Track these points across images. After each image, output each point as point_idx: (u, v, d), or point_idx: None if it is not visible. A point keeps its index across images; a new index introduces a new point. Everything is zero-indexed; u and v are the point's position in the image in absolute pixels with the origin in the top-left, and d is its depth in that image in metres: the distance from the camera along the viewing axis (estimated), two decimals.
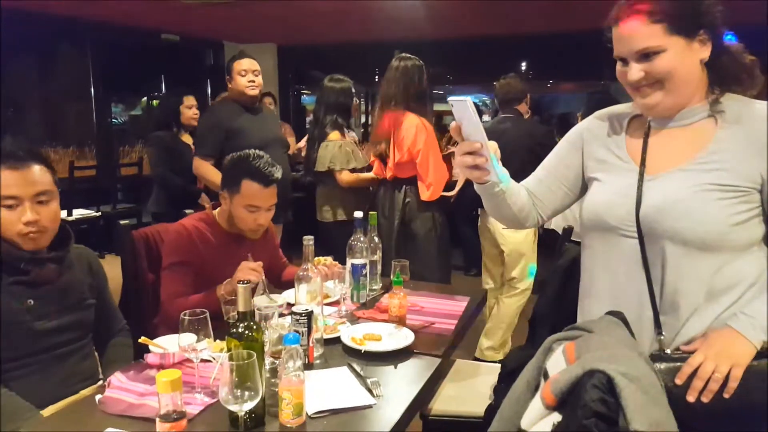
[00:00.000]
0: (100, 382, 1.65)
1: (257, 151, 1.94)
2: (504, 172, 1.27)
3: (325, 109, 3.21)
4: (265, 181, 1.86)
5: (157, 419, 1.14)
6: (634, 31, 1.13)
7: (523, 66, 9.21)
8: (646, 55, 1.13)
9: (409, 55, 2.95)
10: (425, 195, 2.84)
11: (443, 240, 2.95)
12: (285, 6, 5.19)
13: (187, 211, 2.30)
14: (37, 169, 1.55)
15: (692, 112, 1.18)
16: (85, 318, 1.69)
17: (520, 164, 3.07)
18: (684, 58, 1.12)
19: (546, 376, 1.09)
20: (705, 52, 1.14)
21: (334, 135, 3.16)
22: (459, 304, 1.99)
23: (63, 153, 6.11)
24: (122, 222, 2.18)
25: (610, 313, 1.12)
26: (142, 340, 1.51)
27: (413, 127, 2.79)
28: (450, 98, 1.15)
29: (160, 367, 1.49)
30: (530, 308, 2.26)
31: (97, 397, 1.36)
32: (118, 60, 6.52)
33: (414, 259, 2.78)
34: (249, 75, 3.08)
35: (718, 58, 1.17)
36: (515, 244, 3.31)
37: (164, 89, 7.30)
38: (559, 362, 0.99)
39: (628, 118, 1.31)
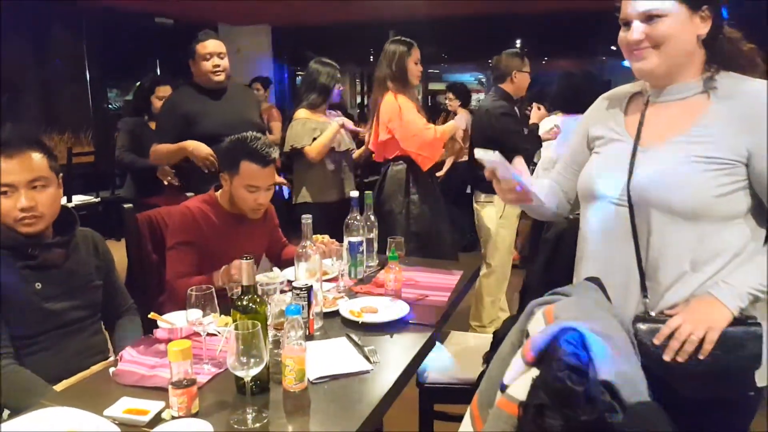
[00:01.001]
0: (112, 358, 1.74)
1: (254, 133, 2.00)
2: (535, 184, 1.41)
3: (304, 90, 3.16)
4: (263, 162, 1.92)
5: (170, 386, 1.23)
6: None
7: (518, 44, 9.21)
8: (649, 18, 1.19)
9: (398, 38, 3.00)
10: (424, 165, 2.94)
11: (421, 221, 2.99)
12: None
13: (126, 206, 2.26)
14: (33, 156, 1.59)
15: (687, 86, 1.24)
16: (93, 298, 1.76)
17: (482, 146, 3.19)
18: (684, 27, 1.19)
19: (528, 337, 1.18)
20: (704, 28, 1.20)
21: (299, 113, 3.08)
22: (452, 278, 2.08)
23: (59, 139, 6.14)
24: (126, 206, 2.25)
25: (588, 278, 1.21)
26: (152, 315, 1.59)
27: (388, 104, 2.94)
28: (478, 155, 1.30)
29: (169, 341, 1.57)
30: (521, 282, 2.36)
31: (111, 369, 1.45)
32: (113, 44, 6.52)
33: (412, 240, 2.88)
34: (214, 59, 2.82)
35: (718, 41, 1.23)
36: (484, 222, 3.43)
37: (159, 73, 7.31)
38: (539, 324, 1.07)
39: (629, 96, 1.38)
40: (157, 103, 3.73)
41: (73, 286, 1.68)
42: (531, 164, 3.62)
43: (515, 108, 3.43)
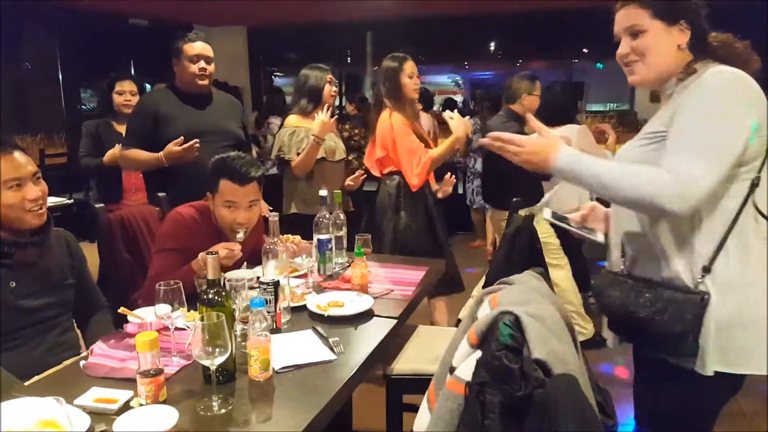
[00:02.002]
0: (83, 353, 1.77)
1: (239, 152, 2.03)
2: None
3: (294, 95, 3.06)
4: (241, 180, 1.92)
5: (138, 376, 1.28)
6: (626, 13, 1.38)
7: (492, 45, 9.35)
8: (633, 34, 1.36)
9: (392, 54, 2.95)
10: (413, 184, 2.86)
11: (407, 237, 2.90)
12: None
13: (98, 205, 2.26)
14: (20, 154, 1.67)
15: (669, 85, 1.39)
16: (66, 296, 1.80)
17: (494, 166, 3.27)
18: (662, 39, 1.34)
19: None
20: (683, 38, 1.35)
21: (288, 119, 2.98)
22: (417, 273, 2.16)
23: (31, 141, 6.08)
24: (98, 205, 2.28)
25: (533, 269, 1.30)
26: (122, 310, 1.64)
27: (382, 122, 2.90)
28: (546, 216, 1.58)
29: None
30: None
31: (81, 363, 1.49)
32: (87, 45, 6.48)
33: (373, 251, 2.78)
34: (201, 62, 2.67)
35: (708, 49, 1.35)
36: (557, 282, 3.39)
37: (133, 74, 7.28)
38: (485, 310, 1.15)
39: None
40: (118, 99, 3.51)
41: (47, 285, 1.72)
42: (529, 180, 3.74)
43: (524, 129, 3.37)
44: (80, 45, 6.45)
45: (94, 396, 1.30)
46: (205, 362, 1.27)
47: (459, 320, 3.60)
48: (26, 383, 1.55)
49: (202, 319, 1.27)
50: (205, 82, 2.72)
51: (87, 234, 4.41)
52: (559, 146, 1.35)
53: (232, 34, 7.85)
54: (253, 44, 8.16)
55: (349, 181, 3.07)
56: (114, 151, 3.26)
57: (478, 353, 1.04)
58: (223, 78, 7.74)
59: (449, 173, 3.13)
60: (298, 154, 2.87)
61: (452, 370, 1.10)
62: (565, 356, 0.98)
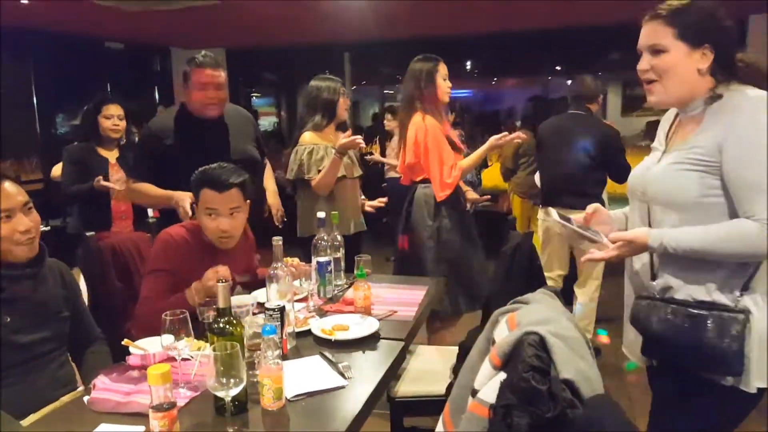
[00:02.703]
0: (80, 389, 1.72)
1: (221, 162, 2.00)
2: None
3: (306, 112, 2.90)
4: (220, 187, 1.91)
5: (150, 410, 1.24)
6: (652, 28, 1.37)
7: (468, 65, 9.50)
8: (655, 51, 1.36)
9: (423, 55, 2.82)
10: (439, 195, 2.72)
11: (450, 248, 2.75)
12: (232, 10, 5.21)
13: (88, 234, 2.22)
14: (11, 184, 1.62)
15: (694, 105, 1.40)
16: (61, 330, 1.75)
17: (587, 160, 3.26)
18: (683, 62, 1.35)
19: (494, 344, 1.27)
20: (704, 63, 1.35)
21: (304, 137, 2.83)
22: (418, 293, 2.16)
23: (4, 167, 5.94)
24: (88, 233, 2.24)
25: (545, 288, 1.31)
26: (125, 342, 1.60)
27: (415, 126, 2.76)
28: (554, 216, 1.62)
29: (142, 367, 1.59)
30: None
31: (85, 398, 1.45)
32: (62, 69, 6.40)
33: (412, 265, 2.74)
34: (209, 90, 2.47)
35: (732, 71, 1.36)
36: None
37: (110, 97, 7.21)
38: (503, 331, 1.16)
39: (675, 113, 1.54)
40: (106, 123, 3.40)
41: (42, 318, 1.67)
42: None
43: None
44: (55, 69, 6.36)
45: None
46: (220, 393, 1.25)
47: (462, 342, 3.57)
48: (24, 422, 1.50)
49: (214, 349, 1.25)
50: (215, 112, 2.53)
51: (66, 261, 4.30)
52: (646, 235, 1.38)
53: None
54: (231, 65, 8.15)
55: (368, 207, 3.02)
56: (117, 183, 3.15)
57: (502, 375, 1.04)
58: None
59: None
60: (319, 171, 2.76)
61: (474, 392, 1.10)
62: (590, 375, 0.99)
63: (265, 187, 3.05)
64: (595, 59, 7.56)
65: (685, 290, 1.37)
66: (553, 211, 1.68)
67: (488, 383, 1.06)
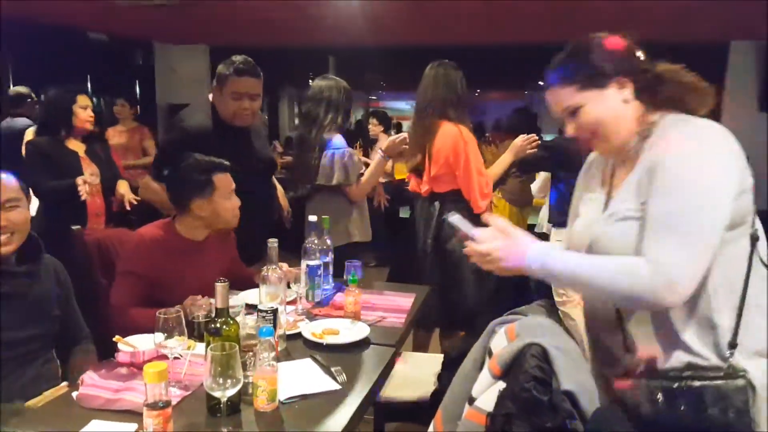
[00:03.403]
0: (64, 384, 1.70)
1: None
2: None
3: (326, 109, 2.70)
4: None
5: (145, 408, 1.23)
6: (554, 95, 1.28)
7: None
8: (572, 113, 1.26)
9: (446, 61, 2.78)
10: (480, 207, 2.64)
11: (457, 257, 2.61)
12: (218, 8, 5.18)
13: (74, 227, 2.12)
14: (3, 177, 1.59)
15: (626, 148, 1.26)
16: (51, 329, 1.72)
17: None
18: (604, 105, 1.23)
19: (490, 354, 1.29)
20: (625, 92, 1.23)
21: (337, 141, 2.68)
22: (407, 300, 2.18)
23: None
24: (74, 227, 2.20)
25: (539, 301, 1.35)
26: (117, 339, 1.59)
27: (450, 136, 2.65)
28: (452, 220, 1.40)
29: (131, 365, 1.57)
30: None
31: (74, 393, 1.43)
32: (42, 59, 6.26)
33: (448, 283, 2.60)
34: (244, 100, 2.36)
35: (652, 86, 1.23)
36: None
37: (91, 91, 7.08)
38: (501, 341, 1.18)
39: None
40: (81, 114, 3.16)
41: (33, 316, 1.64)
42: None
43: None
44: (35, 59, 6.22)
45: (95, 430, 1.25)
46: (217, 393, 1.25)
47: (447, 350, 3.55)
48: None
49: (212, 350, 1.25)
50: (247, 122, 2.43)
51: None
52: (530, 243, 1.25)
53: (194, 52, 7.76)
54: (215, 63, 8.08)
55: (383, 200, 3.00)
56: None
57: (501, 384, 1.07)
58: (184, 97, 7.64)
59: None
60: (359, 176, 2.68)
61: (472, 400, 1.13)
62: (589, 387, 1.03)
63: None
64: None
65: (662, 357, 1.17)
66: (453, 216, 1.44)
67: (486, 392, 1.09)
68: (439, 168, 2.69)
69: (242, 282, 2.20)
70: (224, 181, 1.98)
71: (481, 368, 1.32)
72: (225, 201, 1.98)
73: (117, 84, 7.05)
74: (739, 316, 1.14)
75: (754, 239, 1.17)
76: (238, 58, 2.40)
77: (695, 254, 1.09)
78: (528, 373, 1.00)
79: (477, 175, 2.65)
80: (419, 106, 2.78)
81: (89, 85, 7.02)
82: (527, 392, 0.98)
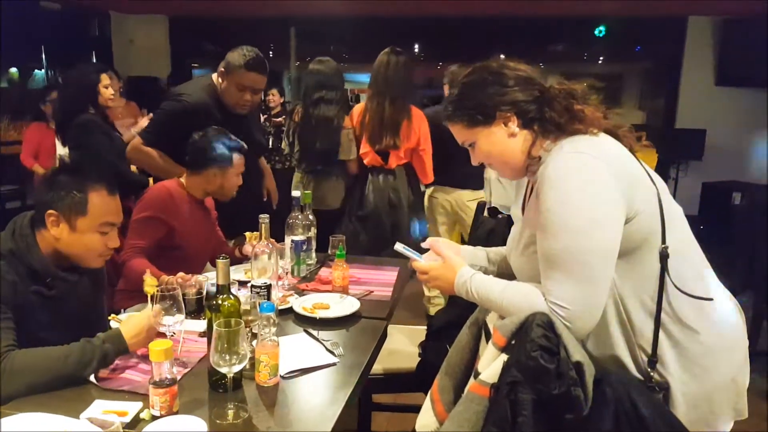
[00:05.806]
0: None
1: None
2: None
3: (324, 92, 3.11)
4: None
5: (151, 386, 1.24)
6: (452, 131, 1.36)
7: (416, 48, 9.56)
8: (470, 146, 1.35)
9: (399, 50, 3.14)
10: (430, 178, 3.26)
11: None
12: None
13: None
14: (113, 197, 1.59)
15: (533, 169, 1.29)
16: (80, 335, 1.66)
17: None
18: (492, 139, 1.29)
19: (485, 327, 1.35)
20: (512, 126, 1.27)
21: (347, 121, 3.15)
22: (391, 273, 2.22)
23: None
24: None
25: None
26: (112, 317, 1.57)
27: (421, 118, 3.13)
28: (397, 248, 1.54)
29: None
30: None
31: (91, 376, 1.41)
32: None
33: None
34: (248, 93, 2.48)
35: (538, 117, 1.26)
36: None
37: (44, 61, 6.74)
38: (496, 314, 1.24)
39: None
40: (106, 93, 3.16)
41: (71, 321, 1.57)
42: None
43: None
44: None
45: (100, 408, 1.25)
46: (223, 370, 1.26)
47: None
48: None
49: (217, 326, 1.26)
50: (245, 111, 2.56)
51: None
52: (458, 268, 1.35)
53: (152, 23, 7.48)
54: (174, 34, 7.80)
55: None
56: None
57: (505, 356, 1.12)
58: (143, 69, 7.37)
59: None
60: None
61: (477, 374, 1.17)
62: (589, 361, 1.08)
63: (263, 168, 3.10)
64: (537, 50, 7.79)
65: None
66: (398, 245, 1.55)
67: (492, 364, 1.13)
68: (411, 144, 3.13)
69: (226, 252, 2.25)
70: (239, 162, 2.23)
71: (477, 340, 1.38)
72: (234, 178, 2.23)
73: (72, 56, 6.73)
74: (656, 333, 1.17)
75: (663, 256, 1.17)
76: (250, 52, 2.45)
77: (587, 289, 1.13)
78: (534, 341, 1.04)
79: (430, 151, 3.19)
80: (384, 90, 3.07)
81: (43, 57, 6.70)
82: (534, 361, 1.03)
